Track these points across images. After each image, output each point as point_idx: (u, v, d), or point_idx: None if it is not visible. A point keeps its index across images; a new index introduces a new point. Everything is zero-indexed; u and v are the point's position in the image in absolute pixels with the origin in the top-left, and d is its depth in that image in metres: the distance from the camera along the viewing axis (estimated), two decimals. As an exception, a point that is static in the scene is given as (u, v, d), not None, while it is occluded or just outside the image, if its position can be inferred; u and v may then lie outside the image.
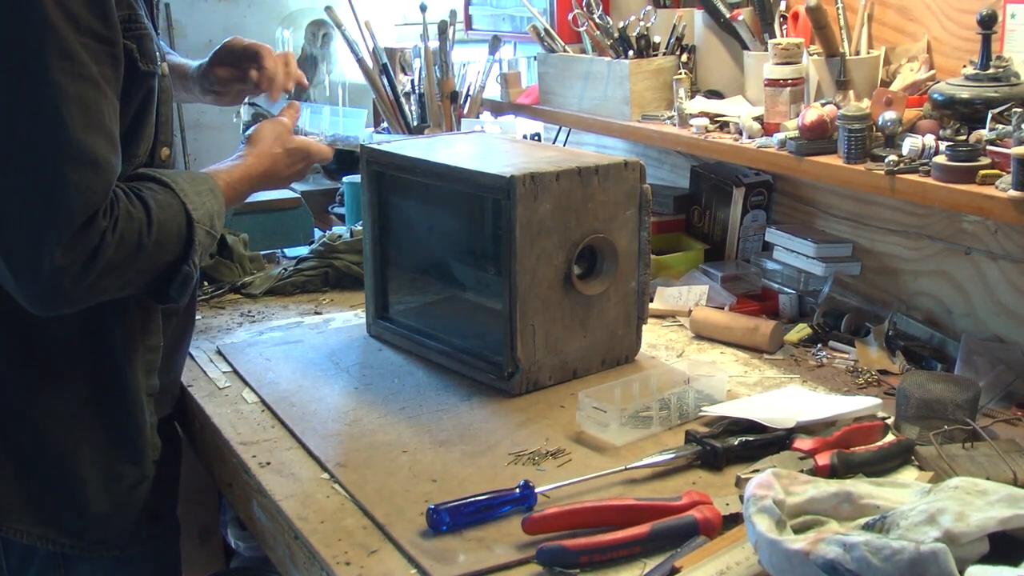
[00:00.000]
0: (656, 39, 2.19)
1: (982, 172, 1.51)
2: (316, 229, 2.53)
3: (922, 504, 1.05)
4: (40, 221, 1.28)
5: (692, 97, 2.10)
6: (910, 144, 1.62)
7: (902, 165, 1.61)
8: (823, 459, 1.37)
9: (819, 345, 1.86)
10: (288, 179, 1.68)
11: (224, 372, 1.79)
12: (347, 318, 2.03)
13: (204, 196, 1.47)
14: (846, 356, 1.82)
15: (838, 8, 1.85)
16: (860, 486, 1.15)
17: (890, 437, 1.48)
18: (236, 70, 1.76)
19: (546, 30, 2.37)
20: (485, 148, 1.89)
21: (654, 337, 1.92)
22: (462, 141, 1.98)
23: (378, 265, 1.90)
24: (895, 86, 1.78)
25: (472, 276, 1.84)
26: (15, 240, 1.29)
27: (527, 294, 1.62)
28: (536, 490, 1.30)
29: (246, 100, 1.96)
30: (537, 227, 1.61)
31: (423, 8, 2.50)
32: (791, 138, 1.78)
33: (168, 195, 1.42)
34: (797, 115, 1.81)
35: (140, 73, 1.39)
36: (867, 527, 1.06)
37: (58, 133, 1.27)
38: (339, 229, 2.40)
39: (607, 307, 1.72)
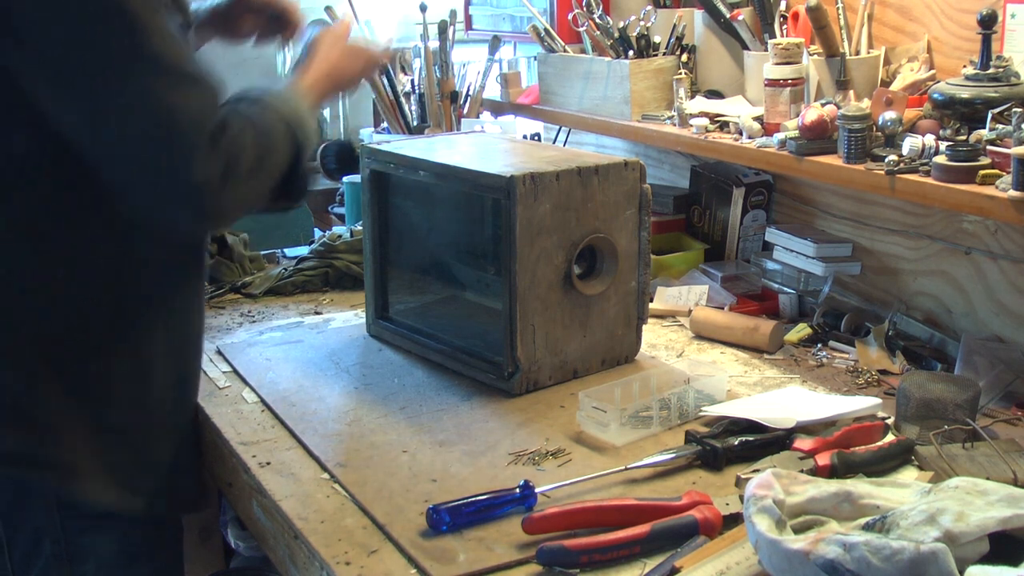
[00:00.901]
0: (656, 39, 2.19)
1: (982, 172, 1.51)
2: (316, 229, 2.53)
3: (922, 504, 1.05)
4: (166, 145, 1.30)
5: (692, 97, 2.10)
6: (910, 144, 1.62)
7: (902, 165, 1.61)
8: (823, 459, 1.37)
9: (819, 345, 1.86)
10: (352, 79, 1.67)
11: (224, 372, 1.79)
12: (347, 318, 2.03)
13: (290, 102, 1.50)
14: (846, 356, 1.82)
15: (838, 8, 1.85)
16: (860, 486, 1.15)
17: (890, 437, 1.48)
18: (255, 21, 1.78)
19: (546, 30, 2.37)
20: (485, 148, 1.89)
21: (654, 337, 1.92)
22: (462, 141, 1.98)
23: (378, 265, 1.90)
24: (895, 86, 1.78)
25: (472, 276, 1.84)
26: (153, 168, 1.32)
27: (527, 294, 1.62)
28: (536, 490, 1.30)
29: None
30: (537, 227, 1.61)
31: (423, 8, 2.50)
32: (791, 138, 1.78)
33: (258, 106, 1.45)
34: (797, 115, 1.81)
35: (180, 25, 1.42)
36: (867, 527, 1.06)
37: (157, 60, 1.30)
38: (339, 229, 2.40)
39: (607, 307, 1.72)
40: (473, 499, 1.28)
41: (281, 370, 1.77)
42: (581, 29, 2.28)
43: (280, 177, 1.44)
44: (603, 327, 1.72)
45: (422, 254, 1.91)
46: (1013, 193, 1.44)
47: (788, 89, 1.85)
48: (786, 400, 1.59)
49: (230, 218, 1.43)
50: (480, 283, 1.81)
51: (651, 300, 1.95)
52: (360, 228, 2.09)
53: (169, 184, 1.32)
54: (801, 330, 1.90)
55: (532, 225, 1.60)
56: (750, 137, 1.89)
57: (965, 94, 1.60)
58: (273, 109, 1.45)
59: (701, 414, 1.55)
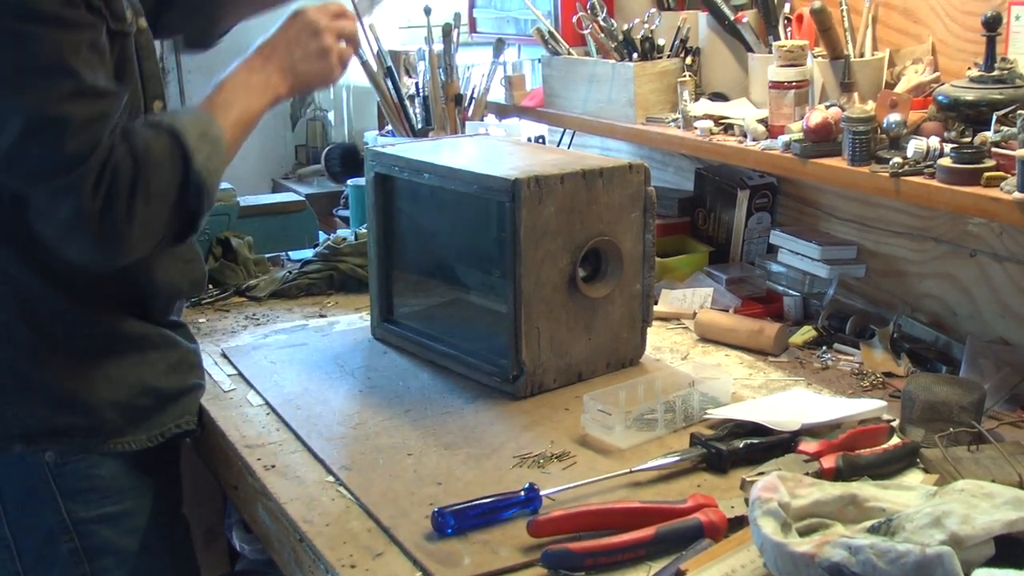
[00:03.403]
0: (660, 41, 2.19)
1: (987, 174, 1.50)
2: (321, 232, 2.54)
3: (927, 507, 1.05)
4: (50, 164, 1.29)
5: (696, 99, 2.10)
6: (915, 146, 1.62)
7: (907, 167, 1.61)
8: (828, 462, 1.36)
9: (824, 347, 1.86)
10: (299, 62, 1.55)
11: (229, 375, 1.79)
12: (352, 321, 2.03)
13: (184, 114, 1.45)
14: (851, 358, 1.82)
15: (842, 10, 1.85)
16: (865, 489, 1.15)
17: (895, 440, 1.48)
18: None
19: (550, 33, 2.37)
20: (490, 150, 1.90)
21: (659, 339, 1.92)
22: (467, 143, 1.98)
23: (382, 268, 1.90)
24: (900, 88, 1.78)
25: (477, 279, 1.84)
26: (43, 200, 1.32)
27: (532, 297, 1.62)
28: (541, 493, 1.30)
29: None
30: (542, 230, 1.61)
31: (427, 11, 2.50)
32: (795, 140, 1.78)
33: (144, 125, 1.41)
34: (801, 117, 1.80)
35: (112, 33, 1.39)
36: (872, 530, 1.06)
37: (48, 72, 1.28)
38: (344, 232, 2.40)
39: (612, 310, 1.72)
40: (478, 502, 1.28)
41: (286, 373, 1.77)
42: (585, 32, 2.28)
43: (177, 193, 1.38)
44: (608, 330, 1.72)
45: (426, 257, 1.91)
46: (1018, 195, 1.43)
47: (792, 91, 1.85)
48: (791, 403, 1.59)
49: (133, 246, 1.36)
50: (484, 286, 1.81)
51: (656, 302, 1.95)
52: (365, 231, 2.09)
53: (57, 215, 1.31)
54: (806, 332, 1.90)
55: (537, 228, 1.60)
56: (754, 139, 1.89)
57: (970, 96, 1.60)
58: (164, 124, 1.40)
59: (706, 417, 1.55)
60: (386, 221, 1.88)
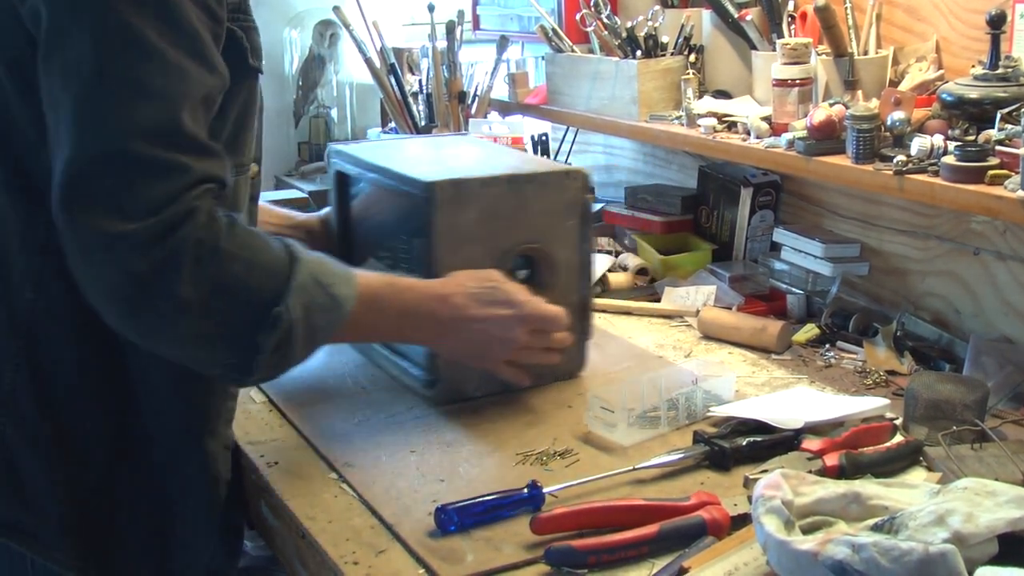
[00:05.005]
0: (664, 39, 2.19)
1: (991, 172, 1.50)
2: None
3: (931, 505, 1.05)
4: (120, 202, 1.13)
5: (700, 97, 2.10)
6: (918, 144, 1.61)
7: (910, 165, 1.60)
8: (831, 460, 1.36)
9: (827, 345, 1.86)
10: (470, 323, 1.42)
11: (232, 372, 1.78)
12: (355, 318, 2.03)
13: (326, 259, 1.30)
14: (854, 357, 1.81)
15: (846, 8, 1.85)
16: (868, 487, 1.15)
17: (898, 438, 1.48)
18: None
19: (554, 30, 2.37)
20: (445, 152, 1.84)
21: (662, 337, 1.92)
22: (426, 143, 1.91)
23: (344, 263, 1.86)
24: (903, 86, 1.78)
25: None
26: (92, 230, 1.13)
27: None
28: (544, 490, 1.30)
29: None
30: (461, 235, 1.55)
31: (431, 8, 2.50)
32: (799, 138, 1.78)
33: (268, 237, 1.25)
34: (805, 115, 1.80)
35: (248, 69, 1.30)
36: (876, 528, 1.06)
37: (150, 107, 1.14)
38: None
39: None
40: (481, 499, 1.28)
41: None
42: (589, 29, 2.28)
43: (244, 312, 1.21)
44: None
45: (372, 258, 1.86)
46: (1022, 193, 1.43)
47: (796, 89, 1.85)
48: (794, 401, 1.58)
49: (155, 328, 1.18)
50: None
51: (592, 313, 1.76)
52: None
53: (95, 253, 1.13)
54: (809, 330, 1.90)
55: (455, 233, 1.55)
56: (758, 137, 1.89)
57: (974, 94, 1.60)
58: (282, 242, 1.24)
59: (709, 414, 1.55)
60: (343, 219, 1.85)
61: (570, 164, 1.93)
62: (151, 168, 1.14)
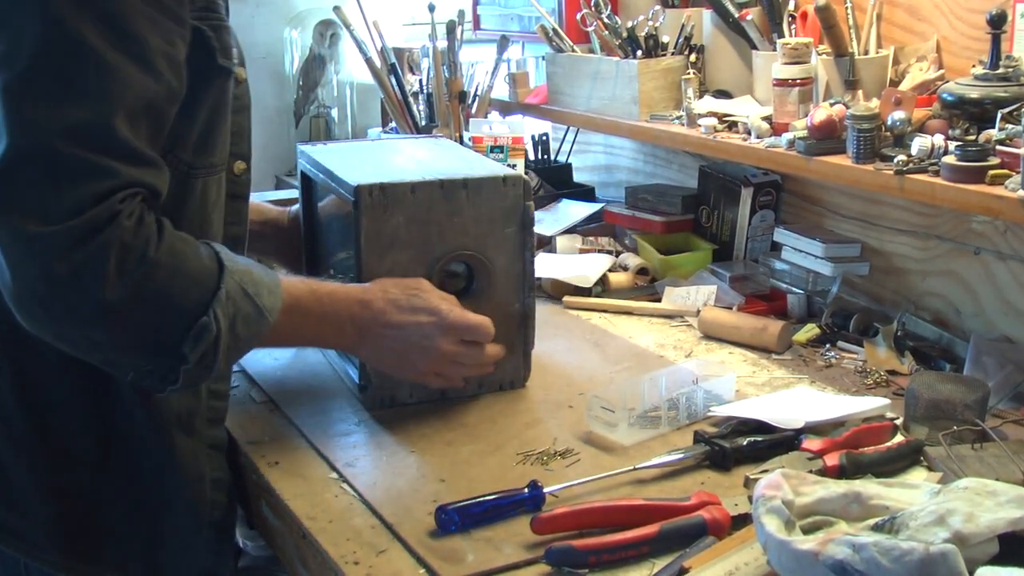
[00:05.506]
0: (664, 39, 2.19)
1: (991, 172, 1.50)
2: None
3: (931, 505, 1.05)
4: (42, 201, 1.11)
5: (700, 97, 2.10)
6: (919, 144, 1.61)
7: (911, 165, 1.60)
8: (832, 459, 1.36)
9: (827, 345, 1.86)
10: (387, 352, 1.44)
11: (233, 372, 1.78)
12: (355, 318, 2.03)
13: (253, 266, 1.29)
14: (855, 356, 1.81)
15: (847, 7, 1.85)
16: (869, 487, 1.15)
17: (899, 438, 1.48)
18: None
19: (554, 30, 2.37)
20: (395, 155, 1.81)
21: (662, 337, 1.92)
22: (394, 146, 1.88)
23: (309, 269, 1.85)
24: (904, 86, 1.78)
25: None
26: (11, 228, 1.11)
27: None
28: (544, 490, 1.30)
29: None
30: (388, 240, 1.53)
31: (431, 8, 2.50)
32: (800, 138, 1.78)
33: (198, 245, 1.24)
34: (806, 115, 1.80)
35: (216, 68, 1.28)
36: (876, 528, 1.06)
37: (78, 109, 1.12)
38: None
39: None
40: (481, 499, 1.28)
41: (290, 370, 1.77)
42: (589, 29, 2.28)
43: (169, 319, 1.19)
44: None
45: (327, 263, 1.85)
46: (1022, 193, 1.43)
47: (797, 89, 1.85)
48: (795, 400, 1.58)
49: (73, 328, 1.16)
50: None
51: (533, 325, 1.70)
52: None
53: (18, 252, 1.11)
54: (809, 330, 1.90)
55: (381, 237, 1.53)
56: (759, 137, 1.89)
57: (974, 94, 1.60)
58: (212, 249, 1.23)
59: (709, 414, 1.55)
60: (310, 221, 1.84)
61: (513, 168, 1.90)
62: (76, 169, 1.12)
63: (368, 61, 2.54)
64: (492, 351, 1.54)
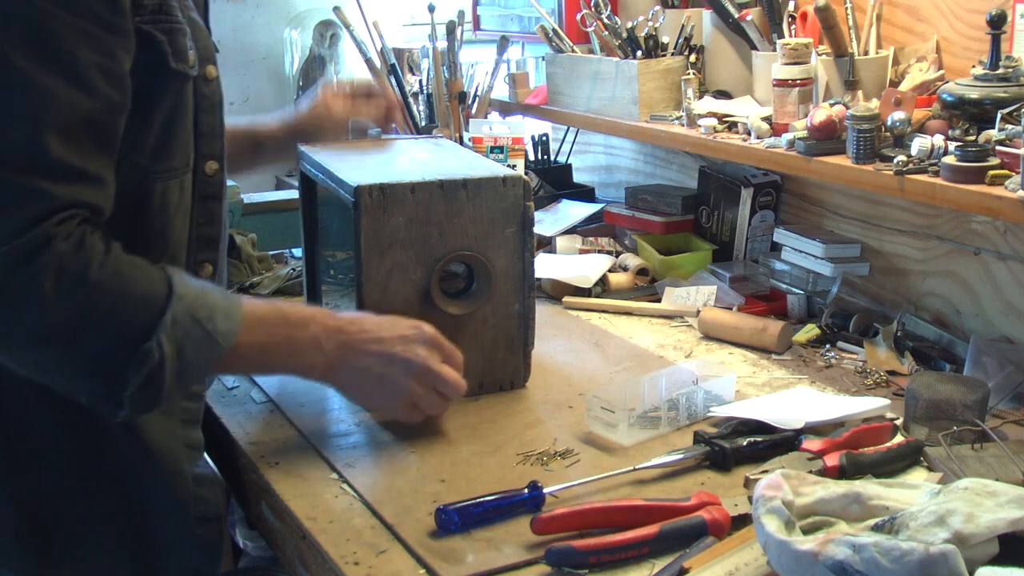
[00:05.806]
0: (664, 39, 2.19)
1: (991, 172, 1.50)
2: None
3: (931, 505, 1.05)
4: None
5: (700, 97, 2.10)
6: (919, 144, 1.62)
7: (911, 165, 1.60)
8: (832, 460, 1.36)
9: (827, 346, 1.86)
10: (362, 380, 1.40)
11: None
12: (355, 318, 2.03)
13: (211, 290, 1.27)
14: (855, 357, 1.81)
15: (847, 8, 1.85)
16: (869, 487, 1.15)
17: (899, 438, 1.48)
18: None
19: (554, 30, 2.37)
20: (396, 155, 1.81)
21: (662, 337, 1.92)
22: (397, 147, 1.88)
23: (309, 270, 1.85)
24: (904, 86, 1.78)
25: (342, 287, 1.80)
26: None
27: (379, 308, 1.53)
28: (544, 490, 1.30)
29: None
30: (388, 240, 1.54)
31: (431, 8, 2.50)
32: (800, 138, 1.78)
33: (150, 268, 1.22)
34: (806, 115, 1.80)
35: (170, 72, 1.26)
36: (876, 528, 1.06)
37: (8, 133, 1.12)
38: (347, 229, 2.40)
39: (483, 329, 1.63)
40: (482, 499, 1.28)
41: (289, 370, 1.77)
42: (589, 29, 2.28)
43: (111, 341, 1.17)
44: (478, 349, 1.62)
45: (327, 263, 1.86)
46: (1022, 193, 1.43)
47: (796, 89, 1.85)
48: (795, 401, 1.59)
49: (10, 350, 1.17)
50: (350, 294, 1.71)
51: (532, 325, 1.70)
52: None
53: None
54: (809, 331, 1.90)
55: (381, 238, 1.54)
56: (758, 137, 1.89)
57: (974, 94, 1.60)
58: (163, 272, 1.21)
59: (709, 415, 1.55)
60: (311, 223, 1.84)
61: (513, 169, 1.90)
62: (7, 194, 1.12)
63: (368, 62, 2.54)
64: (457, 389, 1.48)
